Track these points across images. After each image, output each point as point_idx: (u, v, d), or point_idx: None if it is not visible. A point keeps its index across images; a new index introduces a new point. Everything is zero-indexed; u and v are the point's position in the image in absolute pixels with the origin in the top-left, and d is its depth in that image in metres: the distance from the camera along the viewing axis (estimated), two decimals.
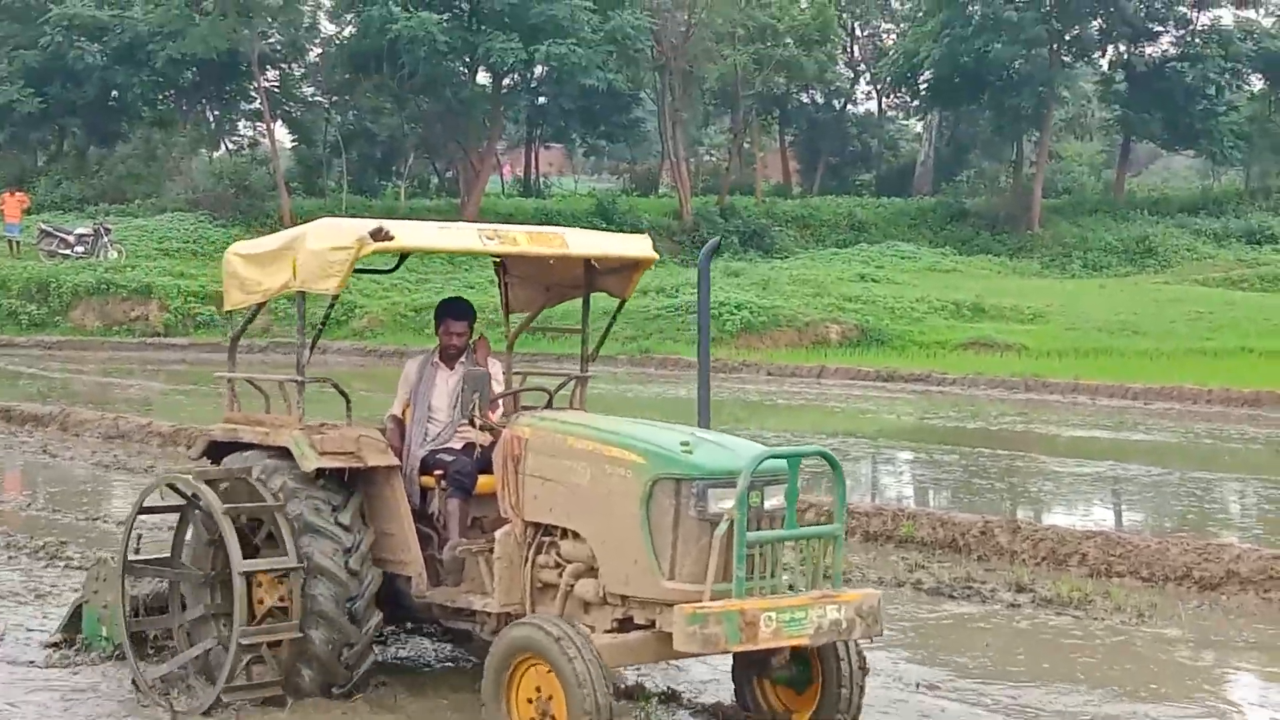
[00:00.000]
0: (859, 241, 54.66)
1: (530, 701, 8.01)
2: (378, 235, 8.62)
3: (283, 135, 64.26)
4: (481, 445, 9.41)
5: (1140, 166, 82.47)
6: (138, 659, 9.45)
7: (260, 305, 9.72)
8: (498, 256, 10.10)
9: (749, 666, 8.73)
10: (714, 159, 72.79)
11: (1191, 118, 58.23)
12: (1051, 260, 53.85)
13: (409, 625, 10.40)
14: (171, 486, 9.65)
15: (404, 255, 9.42)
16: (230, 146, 65.86)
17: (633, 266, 9.72)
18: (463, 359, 9.84)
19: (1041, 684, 10.03)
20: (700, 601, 7.77)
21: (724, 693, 9.30)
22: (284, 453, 9.25)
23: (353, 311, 43.18)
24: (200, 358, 37.77)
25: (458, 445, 9.64)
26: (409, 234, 8.89)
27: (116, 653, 9.87)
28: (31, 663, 10.16)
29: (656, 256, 9.72)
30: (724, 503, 7.89)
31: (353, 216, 57.61)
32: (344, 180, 57.57)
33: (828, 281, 44.46)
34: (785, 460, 8.11)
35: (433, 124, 58.68)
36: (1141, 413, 27.76)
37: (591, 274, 9.86)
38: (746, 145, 65.76)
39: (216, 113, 64.24)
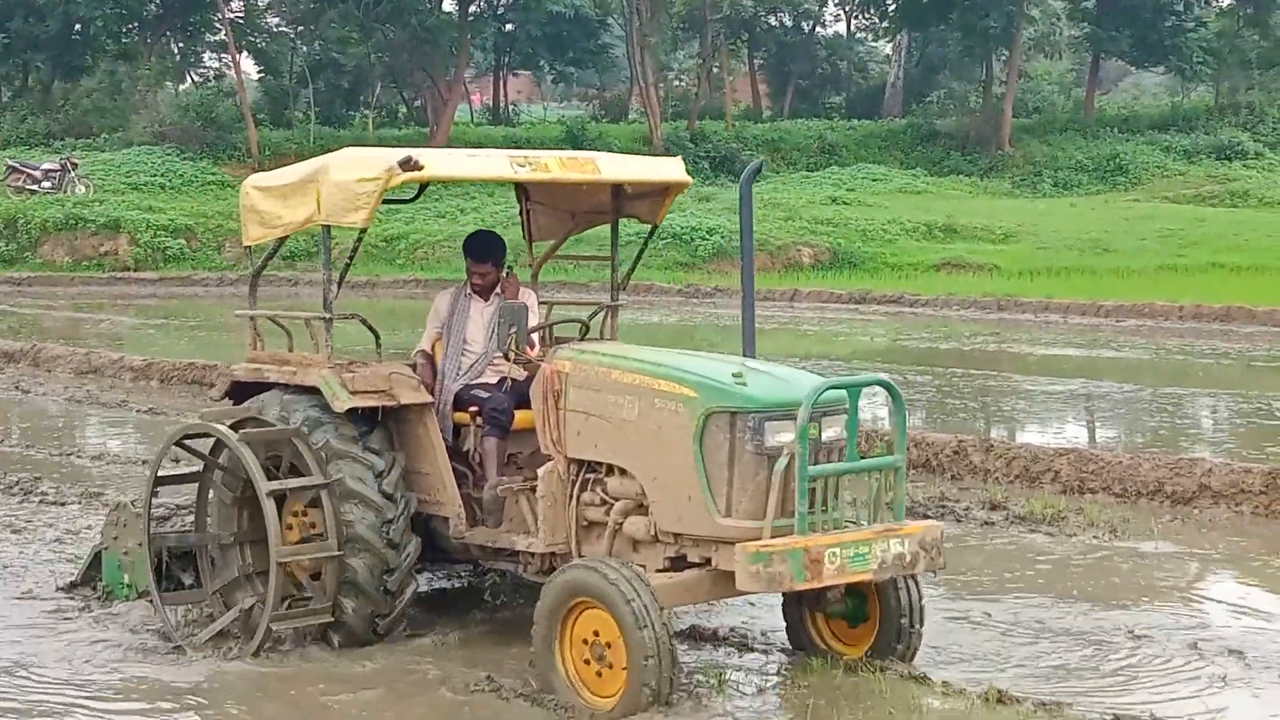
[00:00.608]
0: (830, 164, 54.47)
1: (586, 644, 7.83)
2: (407, 165, 8.35)
3: (248, 67, 63.74)
4: (516, 380, 9.17)
5: (1110, 84, 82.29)
6: (165, 606, 9.36)
7: (282, 240, 9.42)
8: (528, 184, 9.81)
9: (801, 602, 8.57)
10: (683, 84, 72.36)
11: (1160, 34, 58.05)
12: (1022, 180, 53.81)
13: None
14: (182, 445, 9.40)
15: (424, 185, 9.16)
16: (196, 79, 65.28)
17: (664, 191, 9.46)
18: (497, 290, 9.55)
19: (1020, 598, 10.11)
20: (759, 539, 7.60)
21: (762, 625, 9.30)
22: (312, 392, 9.00)
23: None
24: (171, 292, 37.60)
25: (492, 379, 9.39)
26: (439, 163, 8.66)
27: (141, 599, 9.76)
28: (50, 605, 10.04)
29: (690, 180, 9.47)
30: (781, 436, 7.69)
31: (321, 147, 57.26)
32: (311, 111, 57.12)
33: (799, 205, 44.39)
34: (844, 390, 7.90)
35: (399, 53, 58.21)
36: (1113, 330, 27.87)
37: (620, 199, 9.62)
38: (715, 69, 65.41)
39: (181, 45, 63.61)
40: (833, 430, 7.93)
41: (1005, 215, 44.03)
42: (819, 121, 62.18)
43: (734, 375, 7.88)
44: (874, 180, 51.35)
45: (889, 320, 30.44)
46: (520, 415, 9.01)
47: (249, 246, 9.71)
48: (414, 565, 8.97)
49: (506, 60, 68.21)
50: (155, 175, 48.47)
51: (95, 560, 10.21)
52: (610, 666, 7.73)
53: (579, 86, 79.10)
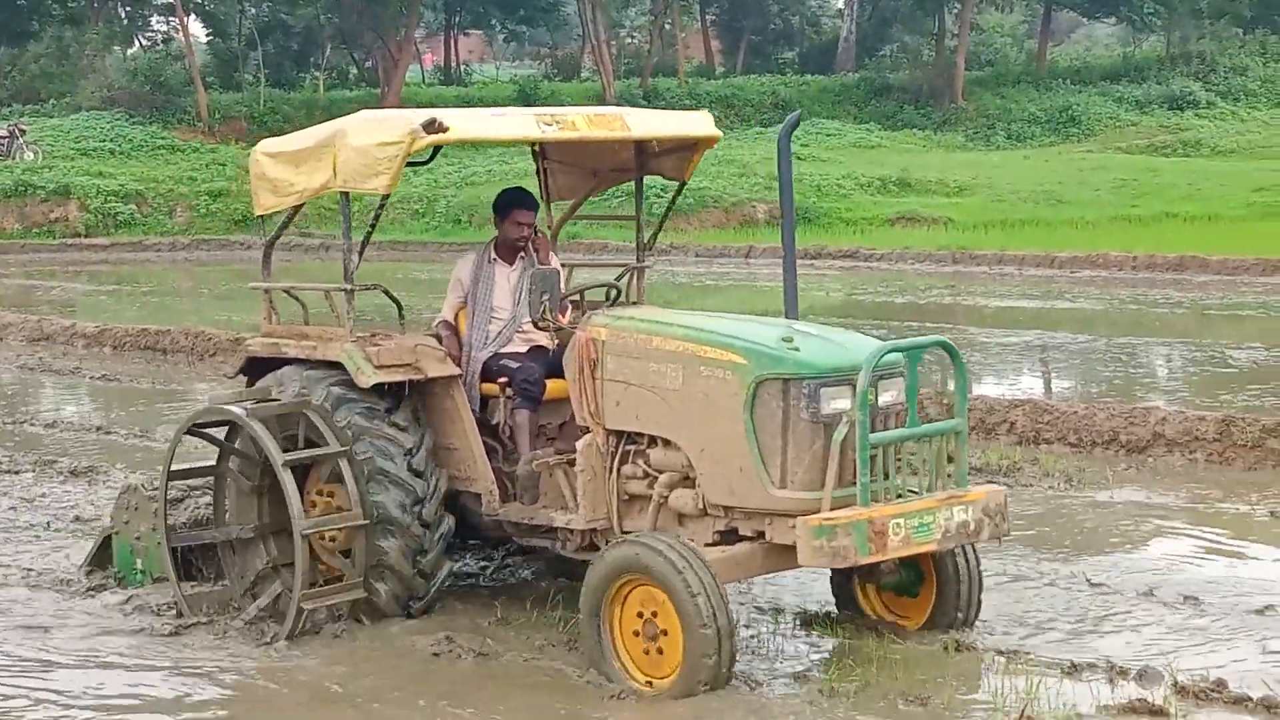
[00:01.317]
0: (783, 120, 54.44)
1: (638, 621, 7.48)
2: (431, 127, 7.98)
3: (196, 29, 63.12)
4: (545, 348, 8.77)
5: (1062, 36, 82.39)
6: (184, 593, 8.99)
7: (297, 208, 8.94)
8: (555, 143, 9.31)
9: (851, 574, 8.18)
10: (635, 41, 72.12)
11: None
12: (975, 133, 53.88)
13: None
14: (199, 434, 9.04)
15: (439, 147, 8.54)
16: (144, 43, 64.69)
17: (692, 146, 9.05)
18: (521, 254, 9.10)
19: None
20: (816, 510, 7.30)
21: (809, 594, 9.08)
22: (334, 367, 8.60)
23: None
24: (122, 258, 37.37)
25: (520, 348, 8.97)
26: (464, 124, 8.25)
27: (156, 583, 9.39)
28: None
29: (720, 134, 9.10)
30: (837, 402, 7.40)
31: (271, 110, 56.72)
32: (261, 74, 56.68)
33: (753, 161, 44.33)
34: (902, 353, 7.63)
35: (349, 13, 57.79)
36: (1067, 281, 27.98)
37: (644, 156, 9.22)
38: (667, 26, 65.18)
39: (128, 8, 62.97)
40: (889, 394, 7.63)
41: (959, 168, 44.12)
42: (772, 77, 62.08)
43: (784, 340, 7.58)
44: (828, 135, 51.36)
45: (844, 275, 30.48)
46: (550, 385, 8.64)
47: (261, 216, 9.20)
48: (447, 545, 8.65)
49: (457, 20, 67.83)
50: (104, 140, 48.09)
51: (105, 544, 9.81)
52: (663, 648, 7.41)
53: (531, 45, 78.71)
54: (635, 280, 9.40)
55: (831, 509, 7.30)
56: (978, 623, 8.31)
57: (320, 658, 8.28)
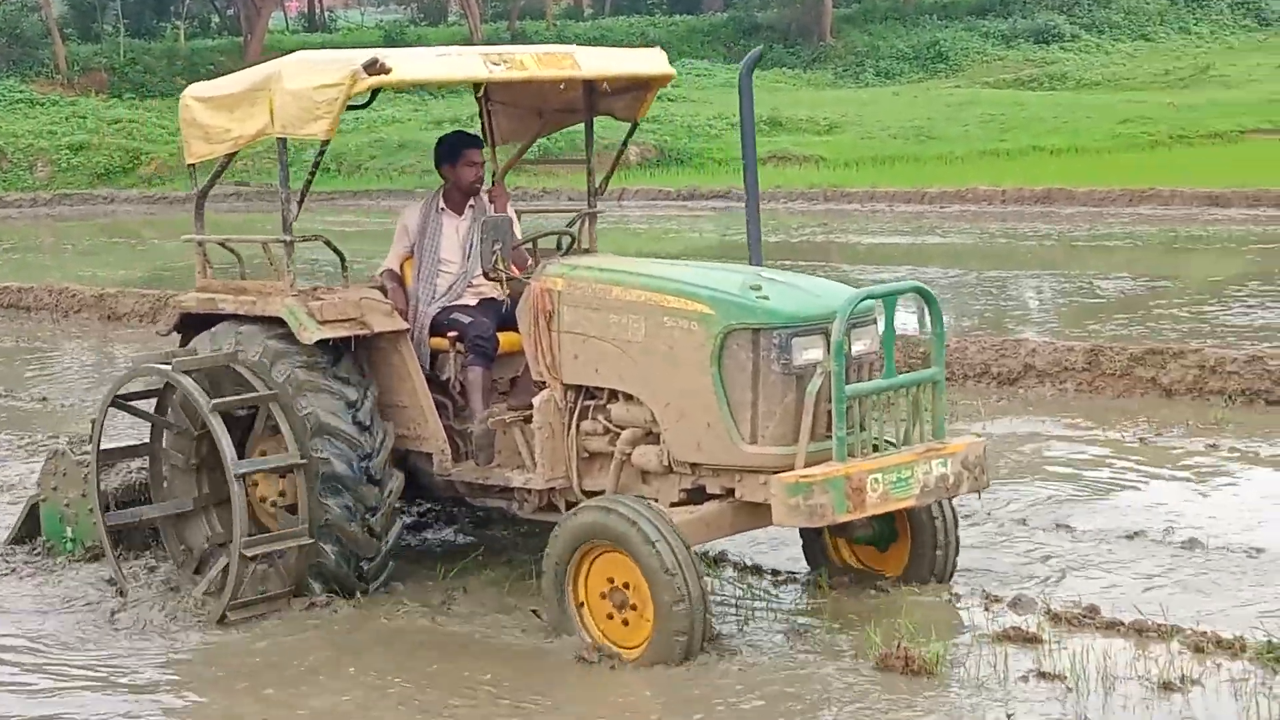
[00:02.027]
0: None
1: (604, 596, 7.15)
2: (373, 68, 7.63)
3: None
4: (504, 299, 8.25)
5: None
6: (119, 560, 8.58)
7: (231, 156, 8.50)
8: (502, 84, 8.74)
9: (820, 529, 7.81)
10: None
11: None
12: (845, 70, 54.03)
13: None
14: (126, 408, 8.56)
15: (377, 91, 8.07)
16: None
17: (645, 85, 8.70)
18: (472, 202, 8.70)
19: None
20: (790, 467, 6.99)
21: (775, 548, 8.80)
22: (273, 323, 8.17)
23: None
24: None
25: (470, 301, 8.57)
26: (407, 65, 7.86)
27: (86, 555, 9.00)
28: None
29: (674, 73, 8.80)
30: (810, 353, 7.08)
31: (132, 61, 55.59)
32: (120, 24, 55.53)
33: None
34: (878, 299, 7.29)
35: None
36: (938, 216, 28.18)
37: (594, 96, 8.80)
38: None
39: None
40: (862, 343, 7.32)
41: (829, 106, 44.21)
42: (641, 18, 61.87)
43: (752, 288, 7.24)
44: (698, 75, 51.23)
45: (718, 216, 30.49)
46: (501, 339, 8.30)
47: (193, 165, 8.73)
48: (397, 502, 8.24)
49: None
50: None
51: (31, 513, 9.34)
52: (634, 613, 7.07)
53: None
54: (587, 227, 9.05)
55: (805, 464, 7.01)
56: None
57: (271, 635, 7.90)
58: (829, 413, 7.05)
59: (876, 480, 7.02)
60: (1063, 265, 20.99)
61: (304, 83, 7.86)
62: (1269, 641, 6.92)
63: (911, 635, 7.06)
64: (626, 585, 7.05)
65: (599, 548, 7.12)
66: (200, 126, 8.49)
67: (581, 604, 7.24)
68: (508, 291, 8.10)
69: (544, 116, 9.22)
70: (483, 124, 9.36)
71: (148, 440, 8.62)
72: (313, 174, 8.18)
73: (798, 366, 7.08)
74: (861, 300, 7.12)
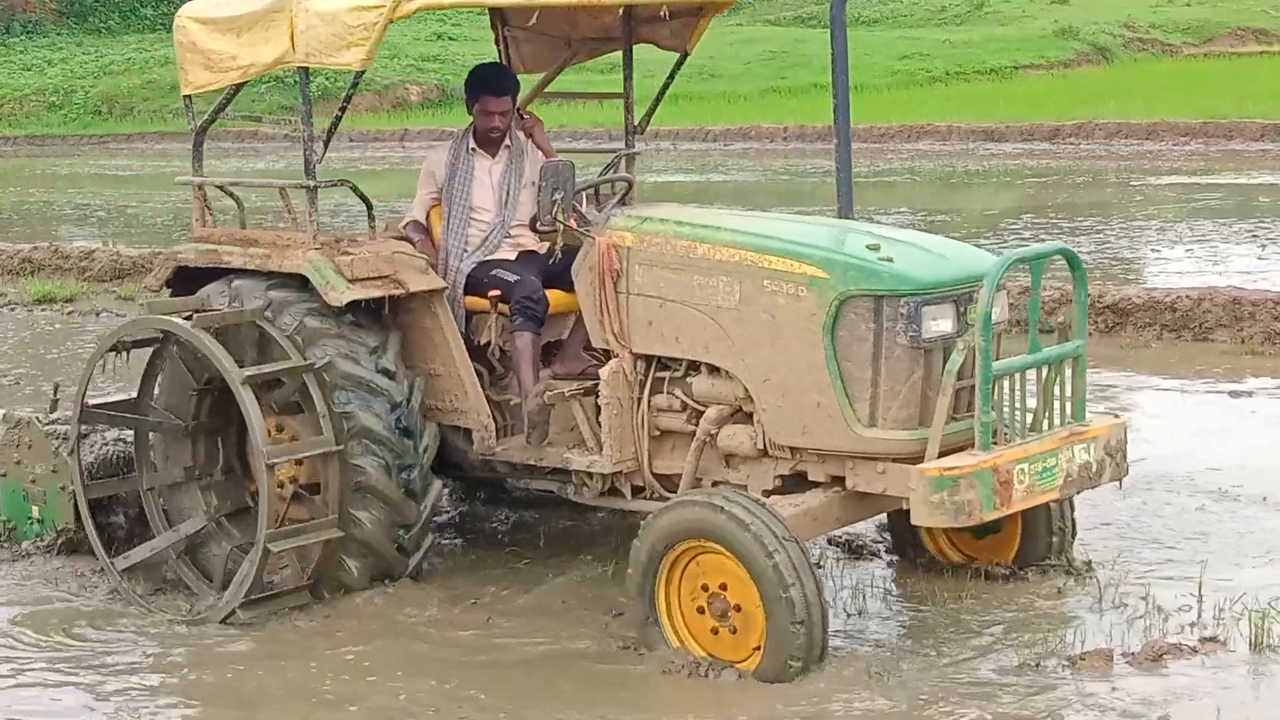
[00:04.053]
0: None
1: (702, 595, 6.19)
2: None
3: None
4: (556, 254, 7.21)
5: None
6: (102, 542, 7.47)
7: (238, 88, 7.37)
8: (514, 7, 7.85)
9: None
10: None
11: None
12: None
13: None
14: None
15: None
16: None
17: (699, 10, 7.75)
18: (507, 142, 7.67)
19: None
20: (914, 453, 6.11)
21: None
22: (283, 279, 7.11)
23: None
24: None
25: (510, 253, 7.55)
26: None
27: (58, 540, 7.87)
28: None
29: None
30: (939, 324, 6.16)
31: None
32: None
33: (403, 43, 43.46)
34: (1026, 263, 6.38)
35: None
36: (722, 154, 28.33)
37: (635, 22, 7.86)
38: None
39: None
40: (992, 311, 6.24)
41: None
42: None
43: (870, 248, 6.29)
44: (478, 15, 50.67)
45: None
46: (549, 298, 7.28)
47: (189, 96, 7.58)
48: (433, 459, 7.20)
49: None
50: None
51: None
52: (737, 625, 6.13)
53: None
54: (625, 170, 8.06)
55: (906, 450, 6.20)
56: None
57: (295, 634, 6.92)
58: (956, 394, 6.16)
59: (1023, 471, 6.11)
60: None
61: (336, 3, 6.79)
62: None
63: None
64: (724, 587, 6.13)
65: (697, 548, 6.18)
66: (201, 52, 7.33)
67: (673, 610, 6.32)
68: (561, 246, 7.13)
69: (573, 45, 8.20)
70: (500, 52, 8.33)
71: (134, 397, 7.52)
72: (342, 110, 7.10)
73: (926, 339, 6.14)
74: (1011, 263, 6.18)
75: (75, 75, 41.54)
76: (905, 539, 7.35)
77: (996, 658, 6.26)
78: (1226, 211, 18.78)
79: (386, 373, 7.01)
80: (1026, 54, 40.18)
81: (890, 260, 6.20)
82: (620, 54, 8.08)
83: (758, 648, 6.04)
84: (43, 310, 15.67)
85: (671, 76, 8.03)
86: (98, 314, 15.36)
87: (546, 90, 8.50)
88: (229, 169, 30.29)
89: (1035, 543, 7.06)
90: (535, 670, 6.38)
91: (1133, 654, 6.18)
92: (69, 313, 15.56)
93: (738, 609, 6.08)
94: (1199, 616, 6.56)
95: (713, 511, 6.04)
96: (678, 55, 7.96)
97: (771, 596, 5.89)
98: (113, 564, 7.36)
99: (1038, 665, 6.13)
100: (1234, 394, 10.47)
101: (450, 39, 45.10)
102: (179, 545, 7.38)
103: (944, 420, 6.03)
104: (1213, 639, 6.30)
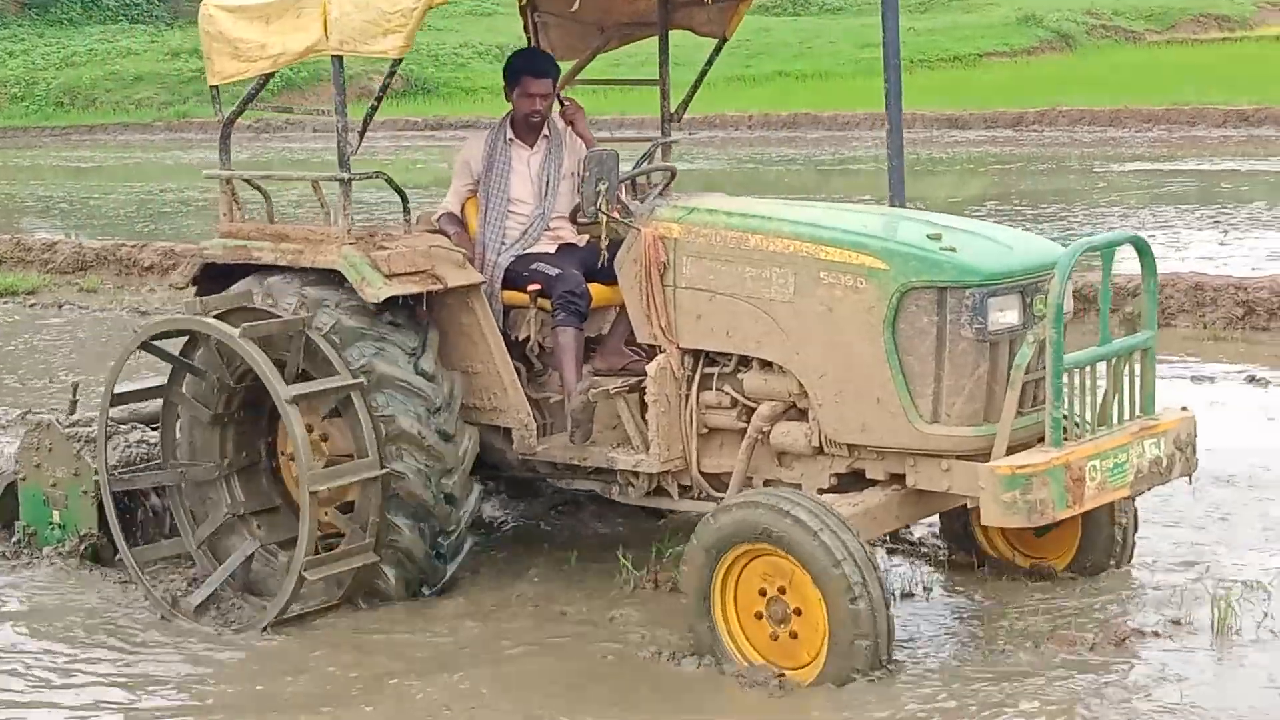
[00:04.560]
0: None
1: (760, 601, 5.94)
2: None
3: None
4: (603, 248, 6.91)
5: None
6: (131, 549, 7.25)
7: (267, 78, 7.18)
8: None
9: (965, 508, 6.70)
10: None
11: None
12: None
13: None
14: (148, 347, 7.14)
15: None
16: None
17: None
18: (545, 132, 7.46)
19: None
20: (978, 450, 5.93)
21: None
22: (314, 275, 6.88)
23: None
24: None
25: (549, 247, 7.35)
26: None
27: (81, 545, 7.64)
28: None
29: None
30: (1005, 315, 5.96)
31: None
32: None
33: None
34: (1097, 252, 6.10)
35: None
36: (688, 143, 28.31)
37: (669, 6, 7.71)
38: None
39: None
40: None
41: None
42: None
43: (931, 237, 6.08)
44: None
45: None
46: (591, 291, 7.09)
47: (215, 87, 7.32)
48: (474, 460, 6.96)
49: None
50: None
51: (7, 494, 8.02)
52: (795, 634, 5.89)
53: None
54: (662, 159, 7.85)
55: (971, 447, 6.00)
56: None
57: (334, 642, 6.69)
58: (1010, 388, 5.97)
59: (1095, 468, 5.89)
60: (811, 189, 21.19)
61: None
62: None
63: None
64: (783, 590, 5.90)
65: (751, 552, 5.94)
66: (227, 41, 7.08)
67: (729, 616, 6.08)
68: (603, 237, 6.89)
69: (606, 31, 7.98)
70: (530, 38, 8.09)
71: (164, 384, 7.29)
72: (379, 99, 6.83)
73: (992, 332, 5.94)
74: (1082, 251, 5.97)
75: (37, 67, 41.33)
76: (958, 536, 7.17)
77: (1056, 657, 6.07)
78: (1189, 198, 18.87)
79: (425, 375, 6.79)
80: (990, 41, 40.27)
81: (953, 250, 6.00)
82: (648, 42, 8.00)
83: (817, 653, 5.84)
84: (4, 303, 15.56)
85: (710, 62, 7.86)
86: (60, 306, 15.28)
87: (577, 79, 8.23)
88: (192, 159, 30.26)
89: (1096, 541, 6.84)
90: (582, 673, 6.23)
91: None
92: (31, 305, 15.45)
93: (798, 613, 5.86)
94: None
95: (777, 515, 5.80)
96: (715, 41, 7.80)
97: (837, 606, 5.68)
98: (143, 576, 7.15)
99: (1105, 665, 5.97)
100: (1196, 379, 10.52)
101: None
102: (239, 575, 7.13)
103: (1012, 416, 5.85)
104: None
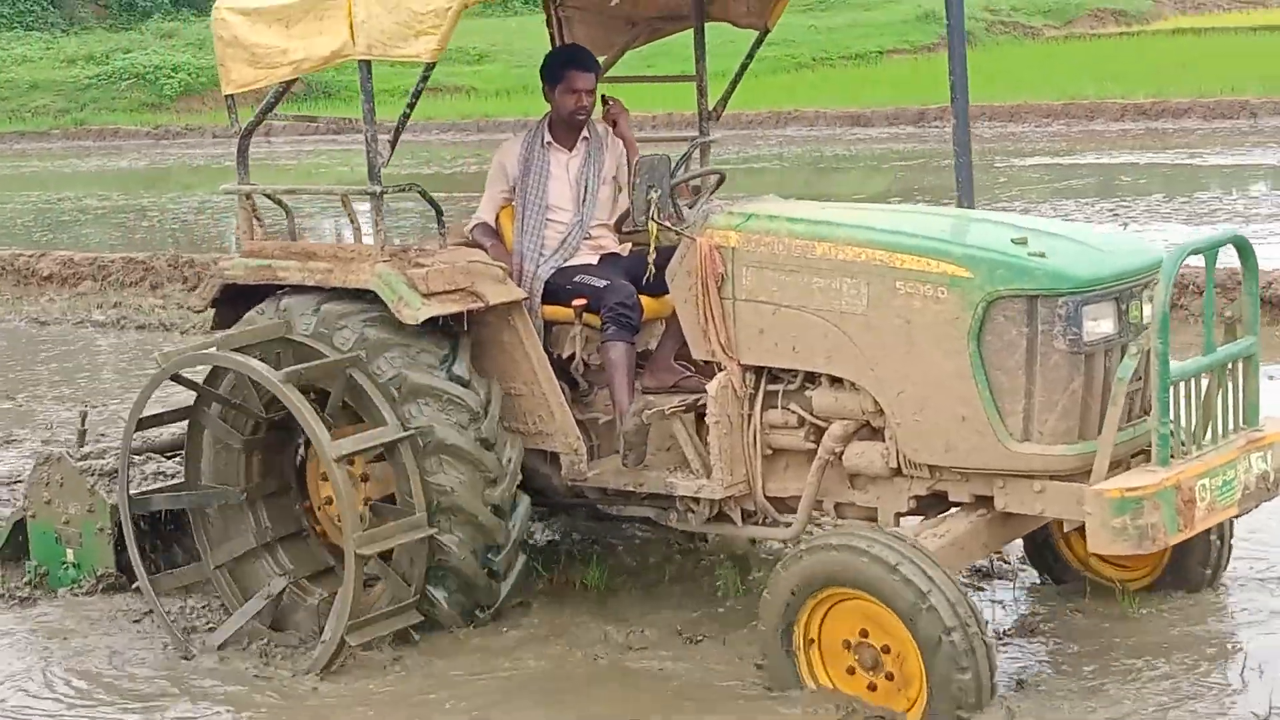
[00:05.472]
0: None
1: (848, 655, 5.57)
2: None
3: None
4: (652, 258, 6.46)
5: None
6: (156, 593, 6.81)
7: (287, 85, 6.71)
8: None
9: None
10: None
11: None
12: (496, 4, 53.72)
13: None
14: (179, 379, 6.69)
15: None
16: None
17: None
18: (585, 134, 7.05)
19: None
20: (1074, 470, 5.57)
21: None
22: (347, 293, 6.47)
23: None
24: None
25: (591, 257, 6.95)
26: None
27: (98, 586, 7.23)
28: None
29: None
30: (1101, 324, 5.56)
31: None
32: None
33: None
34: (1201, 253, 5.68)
35: None
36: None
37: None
38: None
39: None
40: (1150, 308, 5.63)
41: (478, 36, 43.84)
42: None
43: (1016, 241, 5.67)
44: None
45: None
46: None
47: (231, 96, 6.85)
48: (524, 536, 6.61)
49: None
50: None
51: (14, 532, 7.56)
52: (892, 675, 5.50)
53: None
54: (701, 160, 7.54)
55: (1066, 467, 5.62)
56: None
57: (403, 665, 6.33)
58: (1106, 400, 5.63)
59: (1204, 487, 5.50)
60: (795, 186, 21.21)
61: None
62: None
63: None
64: (864, 633, 5.53)
65: (833, 597, 5.56)
66: (243, 47, 6.63)
67: (815, 659, 5.68)
68: (655, 248, 6.44)
69: (636, 25, 7.60)
70: (553, 34, 7.69)
71: (190, 406, 6.90)
72: (411, 106, 6.44)
73: (1088, 343, 5.55)
74: (1187, 254, 5.52)
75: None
76: (1039, 553, 6.78)
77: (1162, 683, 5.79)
78: (1089, 191, 19.04)
79: (460, 381, 6.37)
80: (891, 39, 40.47)
81: (1042, 255, 5.59)
82: (678, 36, 7.69)
83: (917, 695, 5.45)
84: None
85: (750, 56, 7.50)
86: None
87: (607, 76, 7.72)
88: (90, 167, 29.85)
89: (1190, 559, 6.41)
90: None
91: None
92: None
93: (886, 650, 5.48)
94: None
95: (852, 556, 5.40)
96: (756, 34, 7.45)
97: (930, 646, 5.28)
98: (159, 605, 6.79)
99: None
100: None
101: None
102: (266, 612, 6.74)
103: (1114, 433, 5.46)
104: None
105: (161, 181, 26.87)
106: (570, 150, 7.03)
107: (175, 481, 7.17)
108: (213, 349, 6.57)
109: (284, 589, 6.75)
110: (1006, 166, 21.99)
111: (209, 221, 22.05)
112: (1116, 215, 16.73)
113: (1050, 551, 6.73)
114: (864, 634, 5.50)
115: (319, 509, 6.98)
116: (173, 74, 38.78)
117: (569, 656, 6.35)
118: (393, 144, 6.47)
